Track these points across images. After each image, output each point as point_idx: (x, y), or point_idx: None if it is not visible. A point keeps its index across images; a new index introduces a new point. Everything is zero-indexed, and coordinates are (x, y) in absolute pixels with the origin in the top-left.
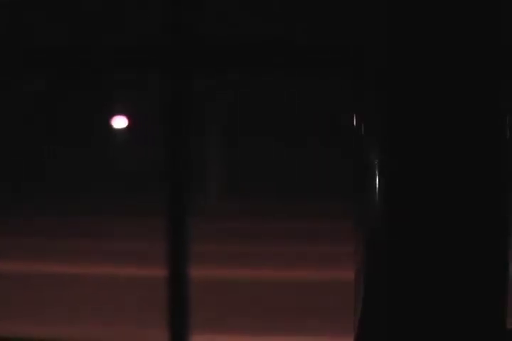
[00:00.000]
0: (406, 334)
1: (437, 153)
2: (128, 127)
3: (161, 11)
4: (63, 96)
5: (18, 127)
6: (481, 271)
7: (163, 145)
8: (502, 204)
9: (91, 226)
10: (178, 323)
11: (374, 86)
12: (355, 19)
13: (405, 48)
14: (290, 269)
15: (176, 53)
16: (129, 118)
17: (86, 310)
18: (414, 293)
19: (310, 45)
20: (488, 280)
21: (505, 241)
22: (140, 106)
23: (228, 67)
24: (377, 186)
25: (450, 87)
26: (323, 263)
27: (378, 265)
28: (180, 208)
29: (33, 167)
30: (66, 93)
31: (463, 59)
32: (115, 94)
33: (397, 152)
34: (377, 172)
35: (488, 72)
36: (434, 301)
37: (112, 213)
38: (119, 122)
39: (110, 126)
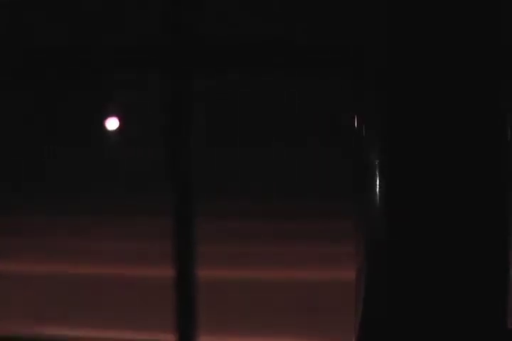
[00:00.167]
0: (406, 334)
1: (438, 153)
2: (127, 127)
3: (161, 11)
4: (63, 96)
5: (18, 127)
6: (482, 271)
7: (163, 145)
8: (503, 204)
9: (91, 226)
10: (185, 324)
11: (374, 86)
12: (355, 19)
13: (405, 48)
14: (290, 269)
15: (175, 53)
16: (128, 118)
17: (89, 310)
18: (414, 293)
19: (310, 45)
20: (489, 280)
21: (506, 241)
22: (140, 106)
23: (228, 67)
24: (377, 186)
25: (450, 86)
26: (323, 263)
27: (379, 265)
28: (187, 208)
29: (33, 167)
30: (66, 93)
31: (463, 59)
32: (115, 94)
33: (397, 152)
34: (377, 173)
35: (488, 72)
36: (435, 301)
37: (112, 213)
38: (118, 122)
39: (108, 126)
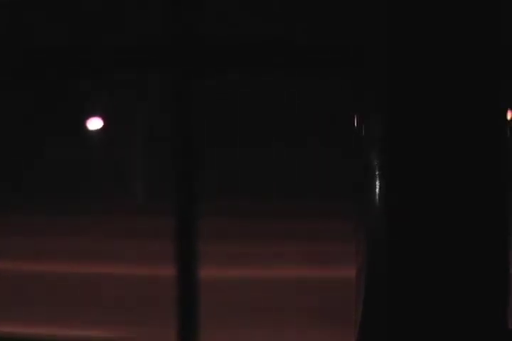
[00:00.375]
0: (407, 334)
1: (437, 153)
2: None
3: (161, 11)
4: (63, 96)
5: (18, 127)
6: (482, 271)
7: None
8: (502, 204)
9: (91, 226)
10: (187, 323)
11: (374, 86)
12: (355, 19)
13: (405, 48)
14: (290, 269)
15: (176, 53)
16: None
17: (90, 310)
18: (414, 293)
19: (310, 45)
20: (490, 280)
21: (506, 241)
22: (139, 106)
23: (228, 67)
24: (377, 186)
25: (450, 86)
26: (323, 263)
27: (379, 264)
28: (190, 208)
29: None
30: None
31: (463, 59)
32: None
33: (397, 152)
34: (377, 173)
35: (488, 72)
36: (435, 301)
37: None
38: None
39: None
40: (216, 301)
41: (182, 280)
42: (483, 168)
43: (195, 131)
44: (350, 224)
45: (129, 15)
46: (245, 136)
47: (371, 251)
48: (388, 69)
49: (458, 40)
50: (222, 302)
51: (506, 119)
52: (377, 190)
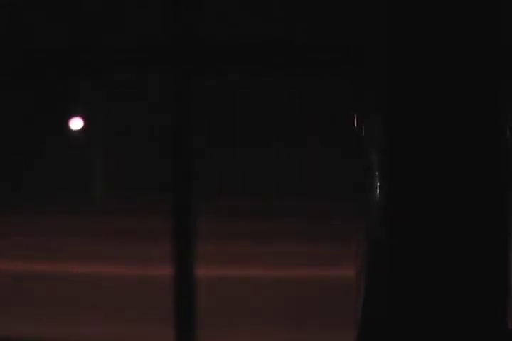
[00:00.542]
0: (406, 334)
1: (437, 153)
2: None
3: (161, 11)
4: (63, 96)
5: (18, 127)
6: (482, 272)
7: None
8: (502, 204)
9: (91, 226)
10: (185, 323)
11: (374, 86)
12: (355, 19)
13: (405, 48)
14: (290, 269)
15: (176, 53)
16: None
17: (89, 310)
18: (414, 293)
19: (310, 45)
20: (490, 280)
21: (506, 241)
22: (139, 106)
23: (228, 67)
24: (377, 186)
25: (450, 87)
26: (324, 263)
27: (379, 265)
28: (186, 208)
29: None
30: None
31: (463, 59)
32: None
33: (397, 152)
34: (377, 173)
35: (488, 72)
36: (435, 301)
37: (112, 213)
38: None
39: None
40: (216, 301)
41: (180, 280)
42: (483, 168)
43: (195, 131)
44: (350, 224)
45: (129, 15)
46: (245, 136)
47: (371, 251)
48: (388, 69)
49: (458, 40)
50: (222, 302)
51: (506, 119)
52: (377, 190)
